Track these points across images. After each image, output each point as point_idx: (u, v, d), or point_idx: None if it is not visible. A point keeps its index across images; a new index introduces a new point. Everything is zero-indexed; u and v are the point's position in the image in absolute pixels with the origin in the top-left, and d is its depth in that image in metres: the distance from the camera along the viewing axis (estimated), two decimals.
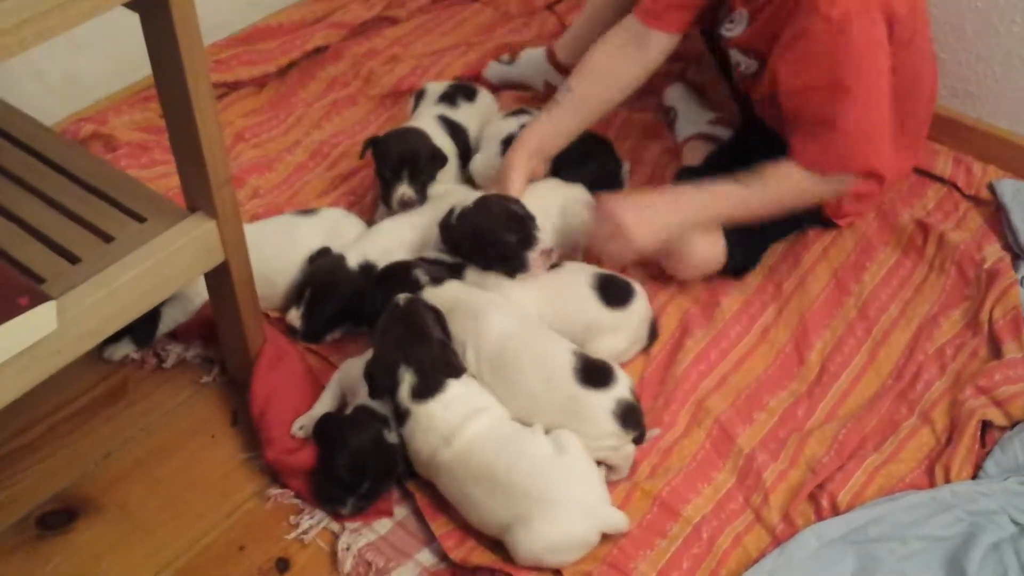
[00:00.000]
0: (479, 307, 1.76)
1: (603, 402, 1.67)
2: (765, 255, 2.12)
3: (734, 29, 1.93)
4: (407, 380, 1.64)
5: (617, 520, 1.59)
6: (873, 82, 1.79)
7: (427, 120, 2.21)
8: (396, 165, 2.03)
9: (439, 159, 2.08)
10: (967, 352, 1.94)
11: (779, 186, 1.88)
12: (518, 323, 1.75)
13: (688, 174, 2.09)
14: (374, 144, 2.09)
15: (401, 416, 1.65)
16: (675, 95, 2.44)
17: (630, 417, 1.68)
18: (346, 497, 1.65)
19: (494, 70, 2.60)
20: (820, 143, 1.84)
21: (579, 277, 1.87)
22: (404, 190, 2.02)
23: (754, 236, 2.04)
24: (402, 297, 1.71)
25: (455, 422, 1.62)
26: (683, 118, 2.39)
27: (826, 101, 1.81)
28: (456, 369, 1.67)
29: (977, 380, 1.85)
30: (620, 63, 2.05)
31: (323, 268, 1.93)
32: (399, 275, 1.81)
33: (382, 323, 1.70)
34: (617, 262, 1.99)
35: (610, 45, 2.04)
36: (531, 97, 2.51)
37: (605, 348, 1.83)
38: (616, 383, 1.70)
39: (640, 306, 1.89)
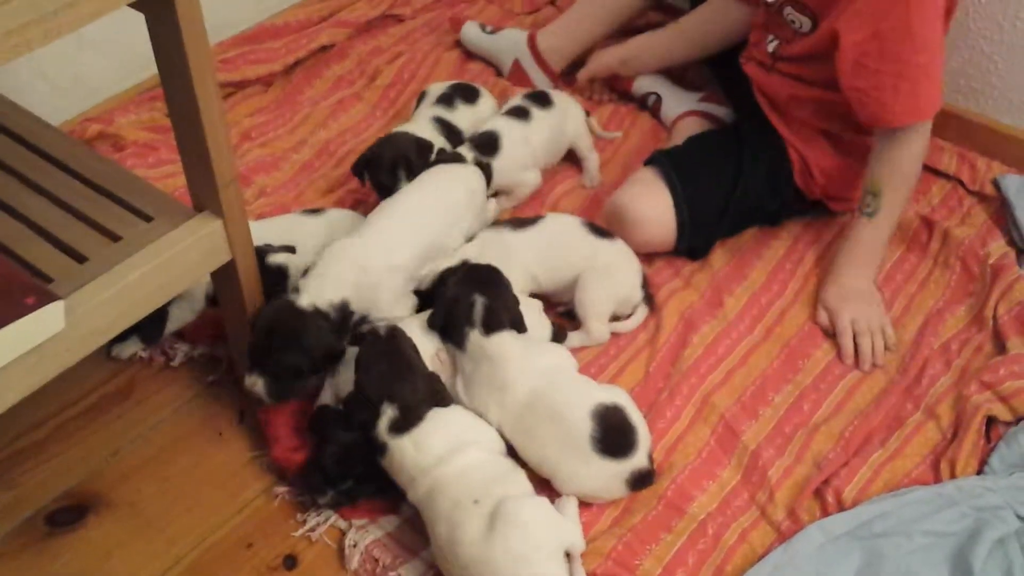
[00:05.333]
0: (508, 377, 1.67)
1: (620, 471, 1.64)
2: (768, 250, 2.12)
3: None
4: (387, 414, 1.58)
5: None
6: (934, 26, 1.83)
7: (423, 122, 2.22)
8: (390, 168, 2.03)
9: (425, 148, 2.08)
10: (972, 347, 1.94)
11: None
12: (541, 385, 1.67)
13: (664, 155, 2.09)
14: (366, 164, 2.08)
15: (380, 449, 1.59)
16: (649, 82, 2.46)
17: (643, 482, 1.68)
18: (327, 488, 1.65)
19: (471, 34, 2.65)
20: (894, 94, 1.85)
21: (568, 221, 1.98)
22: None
23: (709, 222, 2.05)
24: (381, 327, 1.68)
25: (422, 464, 1.55)
26: (669, 100, 2.41)
27: (894, 47, 1.82)
28: (444, 399, 1.64)
29: (982, 375, 1.85)
30: (723, 15, 2.25)
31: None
32: (453, 312, 1.72)
33: (363, 356, 1.64)
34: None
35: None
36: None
37: (611, 289, 1.91)
38: (636, 451, 1.65)
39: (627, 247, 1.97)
